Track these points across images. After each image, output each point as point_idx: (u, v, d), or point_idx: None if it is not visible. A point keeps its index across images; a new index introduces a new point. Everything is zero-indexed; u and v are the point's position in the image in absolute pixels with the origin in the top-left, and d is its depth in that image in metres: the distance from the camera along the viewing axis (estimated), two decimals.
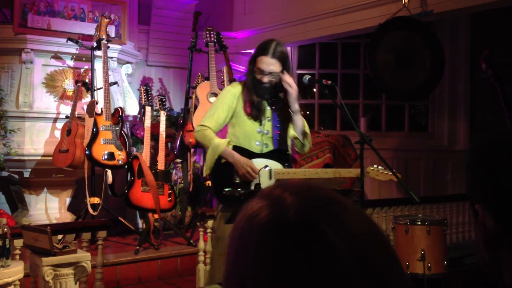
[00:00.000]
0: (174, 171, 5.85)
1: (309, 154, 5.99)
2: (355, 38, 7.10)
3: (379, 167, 3.12)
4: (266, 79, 3.02)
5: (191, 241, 5.11)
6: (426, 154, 7.04)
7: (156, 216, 4.96)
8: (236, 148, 3.06)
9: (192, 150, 5.60)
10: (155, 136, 5.40)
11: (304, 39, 6.66)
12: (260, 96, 3.06)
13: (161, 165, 5.15)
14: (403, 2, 5.30)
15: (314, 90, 7.57)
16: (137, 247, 4.82)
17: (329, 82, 3.03)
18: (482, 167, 0.98)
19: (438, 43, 5.54)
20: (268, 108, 3.12)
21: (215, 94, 5.21)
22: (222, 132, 3.17)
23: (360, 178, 2.99)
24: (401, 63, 5.49)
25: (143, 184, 4.96)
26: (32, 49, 5.29)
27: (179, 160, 5.75)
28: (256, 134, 3.08)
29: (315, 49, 7.45)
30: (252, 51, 3.35)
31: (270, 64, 2.99)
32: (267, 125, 3.10)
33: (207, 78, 5.48)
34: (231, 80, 5.50)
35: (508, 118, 3.42)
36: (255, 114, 3.06)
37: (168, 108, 6.46)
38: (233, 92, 3.10)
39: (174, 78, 6.95)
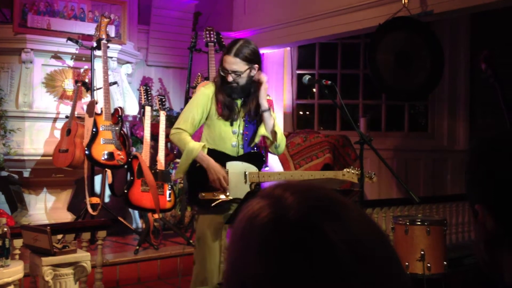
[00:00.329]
0: (173, 171, 5.85)
1: (309, 154, 5.99)
2: (355, 38, 7.10)
3: (352, 170, 3.09)
4: (230, 78, 2.97)
5: (191, 241, 5.10)
6: (426, 154, 7.04)
7: (155, 216, 4.96)
8: (212, 151, 3.01)
9: None
10: (154, 136, 5.40)
11: (304, 39, 6.65)
12: (229, 96, 3.02)
13: (160, 165, 5.15)
14: (403, 2, 5.29)
15: (314, 90, 7.57)
16: (137, 247, 4.82)
17: (329, 82, 3.03)
18: (482, 167, 0.98)
19: (438, 44, 5.54)
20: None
21: None
22: (195, 134, 3.14)
23: (360, 178, 3.00)
24: (401, 63, 5.49)
25: (143, 184, 4.96)
26: (32, 49, 5.28)
27: (178, 160, 5.75)
28: (231, 135, 3.04)
29: (315, 49, 7.45)
30: None
31: (232, 63, 2.95)
32: (242, 125, 3.07)
33: (207, 78, 5.49)
34: None
35: (507, 118, 3.42)
36: (226, 114, 3.01)
37: (168, 108, 6.46)
38: (207, 93, 3.05)
39: (174, 78, 6.94)
